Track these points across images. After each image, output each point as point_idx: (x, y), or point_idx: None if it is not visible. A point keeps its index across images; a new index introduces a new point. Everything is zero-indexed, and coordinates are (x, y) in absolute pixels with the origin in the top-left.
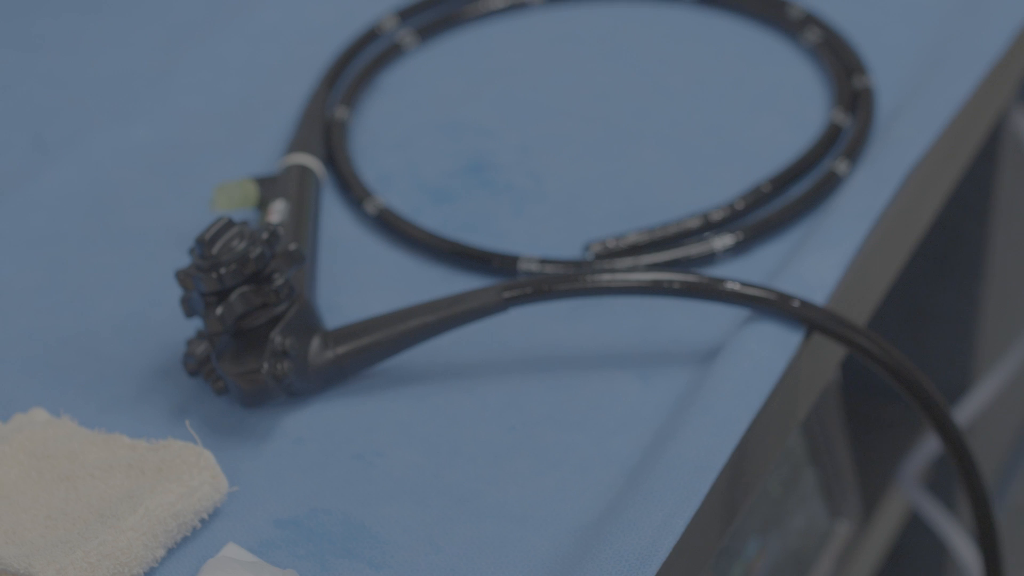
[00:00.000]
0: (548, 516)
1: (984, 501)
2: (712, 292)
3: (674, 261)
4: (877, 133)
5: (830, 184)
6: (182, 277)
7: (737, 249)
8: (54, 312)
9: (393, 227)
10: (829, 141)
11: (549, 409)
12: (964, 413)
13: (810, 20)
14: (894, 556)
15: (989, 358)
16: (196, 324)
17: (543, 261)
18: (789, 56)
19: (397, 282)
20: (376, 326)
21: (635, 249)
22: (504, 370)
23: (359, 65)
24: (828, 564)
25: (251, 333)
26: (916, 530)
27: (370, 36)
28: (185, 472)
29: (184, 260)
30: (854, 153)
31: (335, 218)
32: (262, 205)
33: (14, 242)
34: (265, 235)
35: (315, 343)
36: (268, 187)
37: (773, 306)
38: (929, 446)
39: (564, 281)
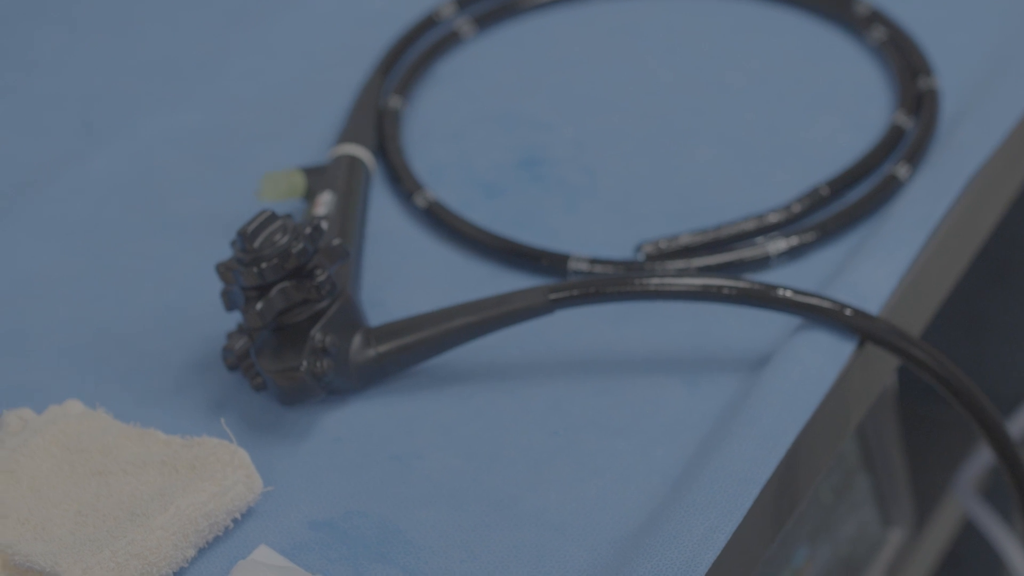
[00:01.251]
0: (587, 525)
1: None
2: (764, 299)
3: (727, 264)
4: (940, 137)
5: (889, 189)
6: (222, 270)
7: (792, 253)
8: (95, 300)
9: (443, 221)
10: (891, 144)
11: (593, 414)
12: (1020, 424)
13: (876, 17)
14: (947, 565)
15: None
16: (237, 317)
17: (593, 261)
18: (853, 54)
19: (444, 278)
20: (419, 325)
21: (687, 251)
22: (548, 372)
23: (415, 53)
24: (879, 573)
25: (291, 329)
26: (970, 539)
27: (427, 23)
28: (219, 471)
29: (229, 250)
30: (915, 157)
31: (384, 210)
32: (309, 196)
33: (58, 228)
34: (308, 229)
35: (357, 341)
36: (316, 177)
37: (826, 315)
38: (985, 454)
39: (612, 284)
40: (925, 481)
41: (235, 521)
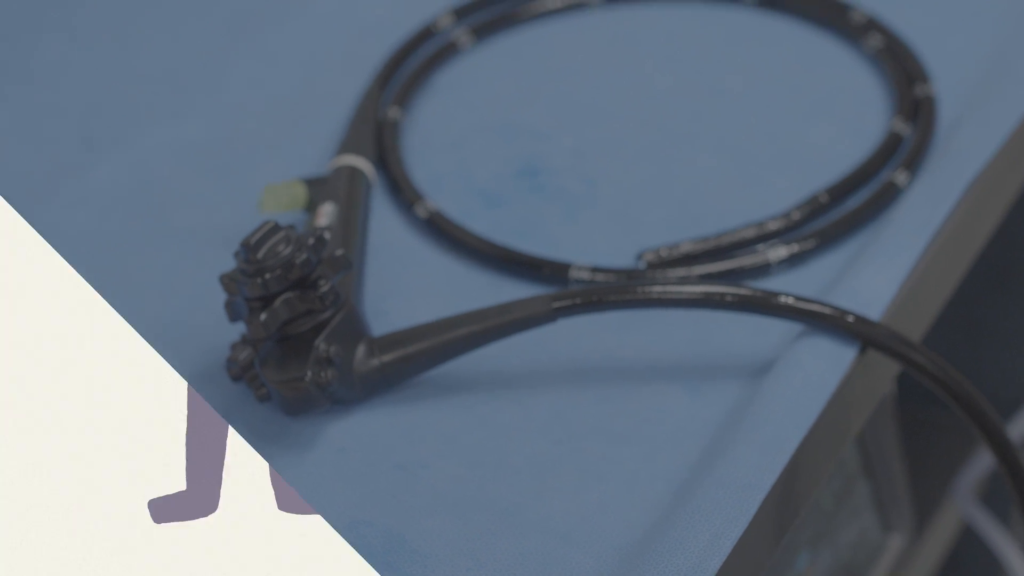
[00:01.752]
0: (592, 533)
1: None
2: (765, 306)
3: (728, 272)
4: (938, 143)
5: (888, 195)
6: (226, 281)
7: (792, 261)
8: None
9: (443, 231)
10: (889, 151)
11: (596, 422)
12: (1020, 428)
13: (872, 25)
14: (947, 570)
15: None
16: (241, 327)
17: (594, 269)
18: (850, 62)
19: (445, 288)
20: (422, 334)
21: (688, 259)
22: (551, 381)
23: (413, 64)
24: None
25: (295, 340)
26: (970, 544)
27: (425, 34)
28: None
29: (231, 262)
30: (914, 164)
31: (385, 221)
32: (311, 207)
33: (59, 239)
34: (311, 240)
35: (360, 351)
36: (317, 188)
37: (828, 321)
38: (984, 459)
39: (615, 292)
40: (924, 486)
41: None
